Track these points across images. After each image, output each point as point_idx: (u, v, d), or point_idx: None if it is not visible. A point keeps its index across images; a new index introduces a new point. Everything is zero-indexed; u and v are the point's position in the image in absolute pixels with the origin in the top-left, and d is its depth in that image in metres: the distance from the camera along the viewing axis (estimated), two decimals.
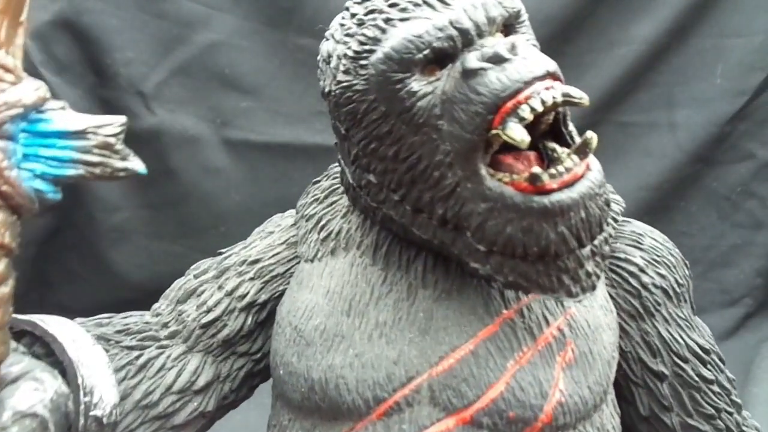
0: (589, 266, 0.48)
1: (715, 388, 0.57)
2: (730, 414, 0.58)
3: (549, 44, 1.47)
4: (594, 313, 0.53)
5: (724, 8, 1.45)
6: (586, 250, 0.47)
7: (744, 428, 0.60)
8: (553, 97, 0.45)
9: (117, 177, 0.41)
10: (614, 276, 0.57)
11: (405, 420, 0.49)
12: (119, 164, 0.41)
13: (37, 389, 0.42)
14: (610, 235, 0.50)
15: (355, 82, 0.51)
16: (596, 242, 0.48)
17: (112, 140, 0.41)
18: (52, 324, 0.50)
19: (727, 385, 0.59)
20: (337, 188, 0.63)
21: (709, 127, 1.48)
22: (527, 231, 0.46)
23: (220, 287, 0.60)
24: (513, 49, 0.46)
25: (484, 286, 0.53)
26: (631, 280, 0.57)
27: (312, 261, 0.58)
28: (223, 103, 1.43)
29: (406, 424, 0.49)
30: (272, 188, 1.41)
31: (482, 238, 0.48)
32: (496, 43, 0.47)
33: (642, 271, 0.57)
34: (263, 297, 0.60)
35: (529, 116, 0.45)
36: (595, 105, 1.48)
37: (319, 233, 0.59)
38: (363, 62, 0.51)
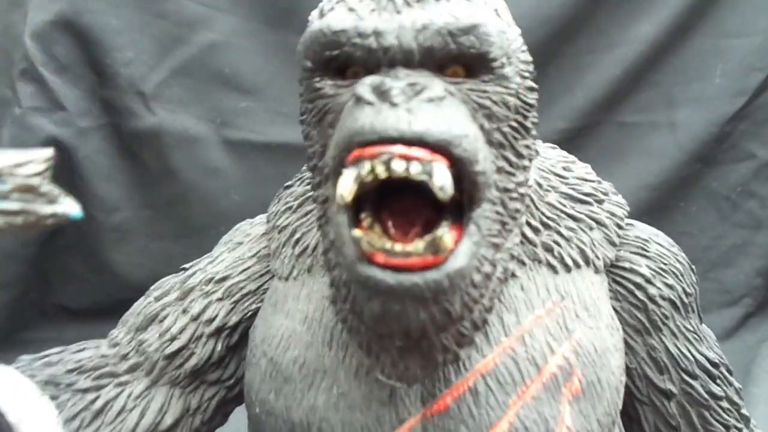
0: (407, 360, 0.44)
1: (725, 404, 0.54)
2: (740, 430, 0.56)
3: (549, 44, 1.48)
4: (600, 335, 0.49)
5: (724, 8, 1.45)
6: (401, 343, 0.43)
7: None
8: (405, 172, 0.38)
9: (44, 224, 0.34)
10: (619, 288, 0.53)
11: None
12: (46, 209, 0.33)
13: None
14: (449, 348, 0.44)
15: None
16: (414, 342, 0.43)
17: (35, 181, 0.33)
18: None
19: (736, 399, 0.55)
20: (311, 195, 0.55)
21: (709, 127, 1.48)
22: (348, 286, 0.43)
23: (184, 311, 0.54)
24: (383, 93, 0.39)
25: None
26: (636, 292, 0.52)
27: (287, 279, 0.53)
28: (223, 103, 1.43)
29: None
30: (272, 188, 1.39)
31: (328, 265, 0.46)
32: (406, 78, 0.40)
33: (649, 282, 0.53)
34: (234, 319, 0.54)
35: (366, 176, 0.38)
36: (595, 105, 1.48)
37: (293, 248, 0.54)
38: (299, 47, 0.46)
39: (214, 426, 0.57)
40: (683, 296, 0.54)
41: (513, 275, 0.48)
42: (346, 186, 0.39)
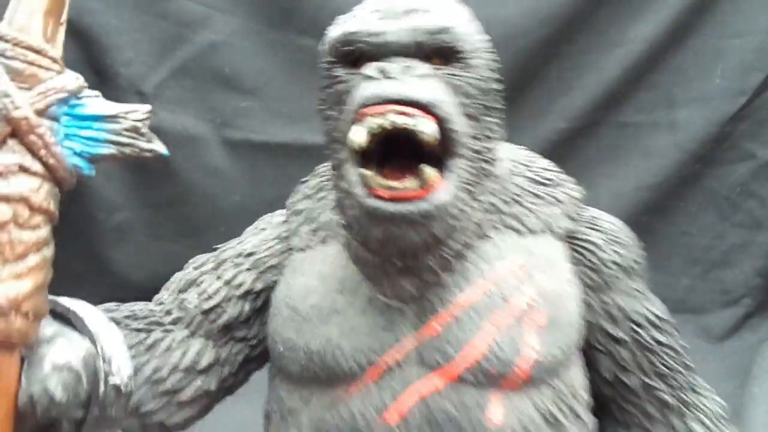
0: (403, 281, 0.57)
1: (669, 351, 0.64)
2: (683, 374, 0.65)
3: (549, 44, 1.48)
4: (560, 284, 0.61)
5: (724, 8, 1.45)
6: (399, 264, 0.56)
7: (695, 387, 0.66)
8: (403, 123, 0.52)
9: (144, 156, 0.47)
10: (576, 254, 0.63)
11: (395, 378, 0.56)
12: (145, 145, 0.47)
13: (70, 346, 0.47)
14: (434, 270, 0.57)
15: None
16: (408, 263, 0.56)
17: (139, 124, 0.47)
18: (71, 303, 0.54)
19: (680, 349, 0.65)
20: (326, 185, 0.68)
21: (709, 127, 1.48)
22: (358, 220, 0.56)
23: (218, 277, 0.66)
24: (384, 72, 0.54)
25: (464, 261, 0.60)
26: (591, 257, 0.63)
27: (304, 250, 0.65)
28: (223, 103, 1.43)
29: (396, 382, 0.56)
30: (272, 188, 1.41)
31: (342, 210, 0.58)
32: (402, 63, 0.55)
33: (601, 249, 0.63)
34: (259, 286, 0.65)
35: (373, 127, 0.52)
36: (595, 105, 1.48)
37: (310, 225, 0.66)
38: (323, 47, 0.61)
39: (238, 380, 0.67)
40: (631, 263, 0.65)
41: (487, 236, 0.61)
42: (358, 134, 0.52)
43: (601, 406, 0.65)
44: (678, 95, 1.48)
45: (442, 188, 0.54)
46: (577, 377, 0.60)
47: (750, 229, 1.52)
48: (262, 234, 0.69)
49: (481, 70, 0.58)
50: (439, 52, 0.56)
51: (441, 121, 0.53)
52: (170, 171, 1.41)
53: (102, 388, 0.48)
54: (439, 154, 0.55)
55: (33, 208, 0.44)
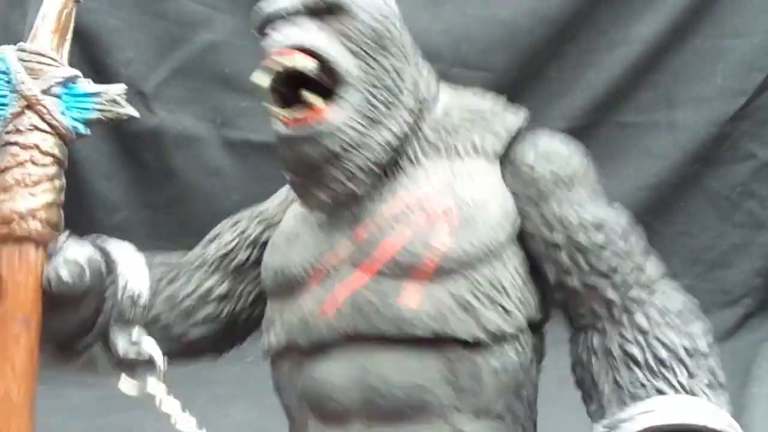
0: (317, 191, 0.68)
1: (608, 252, 0.67)
2: (630, 273, 0.67)
3: (549, 44, 1.48)
4: (482, 193, 0.68)
5: (724, 8, 1.46)
6: (309, 176, 0.68)
7: (648, 285, 0.67)
8: (286, 62, 0.65)
9: (122, 120, 0.68)
10: (512, 172, 0.70)
11: (333, 279, 0.68)
12: (122, 111, 0.68)
13: (79, 250, 0.65)
14: (340, 180, 0.67)
15: None
16: (315, 175, 0.68)
17: (117, 97, 0.68)
18: (115, 243, 0.72)
19: (625, 250, 0.67)
20: None
21: (709, 127, 1.48)
22: (278, 147, 0.68)
23: (235, 230, 0.82)
24: (275, 29, 0.69)
25: (393, 181, 0.70)
26: (524, 175, 0.69)
27: (290, 205, 0.80)
28: (223, 103, 1.43)
29: (334, 281, 0.68)
30: (272, 188, 1.40)
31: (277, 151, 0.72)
32: (298, 22, 0.70)
33: (533, 166, 0.69)
34: (263, 238, 0.79)
35: (278, 68, 0.66)
36: (595, 105, 1.48)
37: (290, 195, 0.81)
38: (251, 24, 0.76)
39: (251, 316, 0.79)
40: (566, 174, 0.69)
41: (418, 161, 0.71)
42: (258, 77, 0.66)
43: (568, 320, 0.70)
44: (678, 95, 1.49)
45: (331, 112, 0.66)
46: (506, 277, 0.67)
47: (750, 229, 1.52)
48: (274, 199, 0.84)
49: (365, 19, 0.70)
50: (326, 10, 0.69)
51: (321, 59, 0.66)
52: (170, 171, 1.41)
53: (119, 296, 0.68)
54: (329, 85, 0.67)
55: (43, 152, 0.64)
